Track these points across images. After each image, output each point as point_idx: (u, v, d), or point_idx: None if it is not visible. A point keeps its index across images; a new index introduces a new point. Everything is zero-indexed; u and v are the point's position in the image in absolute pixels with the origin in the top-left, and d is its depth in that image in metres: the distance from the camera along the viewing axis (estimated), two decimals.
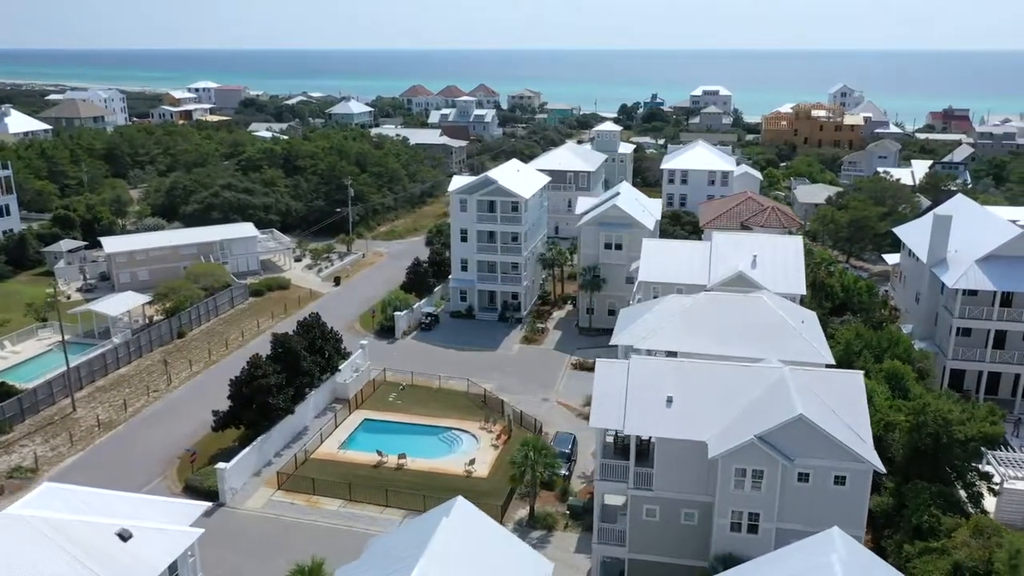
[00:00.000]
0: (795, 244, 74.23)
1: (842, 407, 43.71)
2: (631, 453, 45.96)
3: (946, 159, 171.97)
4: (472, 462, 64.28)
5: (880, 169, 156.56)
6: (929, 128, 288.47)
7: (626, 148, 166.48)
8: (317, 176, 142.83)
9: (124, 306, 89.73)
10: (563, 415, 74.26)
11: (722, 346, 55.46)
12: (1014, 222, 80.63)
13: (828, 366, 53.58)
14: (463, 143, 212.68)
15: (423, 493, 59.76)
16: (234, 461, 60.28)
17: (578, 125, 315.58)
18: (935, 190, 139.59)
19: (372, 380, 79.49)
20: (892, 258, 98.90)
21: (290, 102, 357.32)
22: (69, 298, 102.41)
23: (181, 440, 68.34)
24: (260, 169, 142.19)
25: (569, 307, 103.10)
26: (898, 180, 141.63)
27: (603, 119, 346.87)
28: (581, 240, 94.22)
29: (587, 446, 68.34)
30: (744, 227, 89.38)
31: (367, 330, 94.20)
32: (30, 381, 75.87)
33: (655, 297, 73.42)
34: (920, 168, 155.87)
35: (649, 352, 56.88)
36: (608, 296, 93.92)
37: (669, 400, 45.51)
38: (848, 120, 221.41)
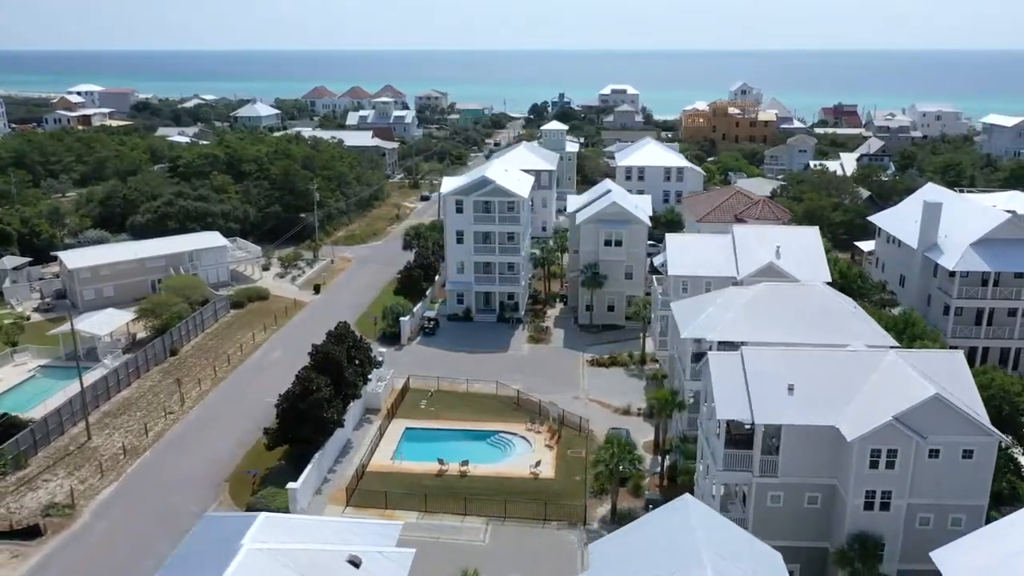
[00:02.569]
0: (813, 234, 77.61)
1: (952, 385, 46.16)
2: (757, 442, 46.96)
3: (863, 152, 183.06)
4: (538, 464, 63.85)
5: (813, 162, 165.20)
6: (823, 123, 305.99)
7: (572, 146, 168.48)
8: (267, 181, 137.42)
9: (109, 325, 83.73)
10: (600, 412, 74.65)
11: (792, 334, 57.28)
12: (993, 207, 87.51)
13: (892, 347, 56.42)
14: (394, 145, 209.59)
15: (503, 498, 59.00)
16: (302, 479, 57.59)
17: (492, 125, 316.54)
18: (868, 181, 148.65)
19: (397, 388, 77.56)
20: (866, 245, 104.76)
21: (187, 105, 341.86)
22: (29, 319, 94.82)
23: (219, 462, 64.61)
24: (207, 175, 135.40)
25: (561, 305, 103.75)
26: (834, 173, 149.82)
27: (514, 119, 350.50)
28: (580, 237, 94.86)
29: (637, 440, 69.16)
30: (738, 220, 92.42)
31: (368, 337, 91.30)
32: (27, 411, 69.74)
33: (684, 291, 75.17)
34: (848, 161, 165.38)
35: (721, 344, 58.33)
36: (607, 292, 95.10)
37: (790, 388, 46.81)
38: (762, 116, 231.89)
